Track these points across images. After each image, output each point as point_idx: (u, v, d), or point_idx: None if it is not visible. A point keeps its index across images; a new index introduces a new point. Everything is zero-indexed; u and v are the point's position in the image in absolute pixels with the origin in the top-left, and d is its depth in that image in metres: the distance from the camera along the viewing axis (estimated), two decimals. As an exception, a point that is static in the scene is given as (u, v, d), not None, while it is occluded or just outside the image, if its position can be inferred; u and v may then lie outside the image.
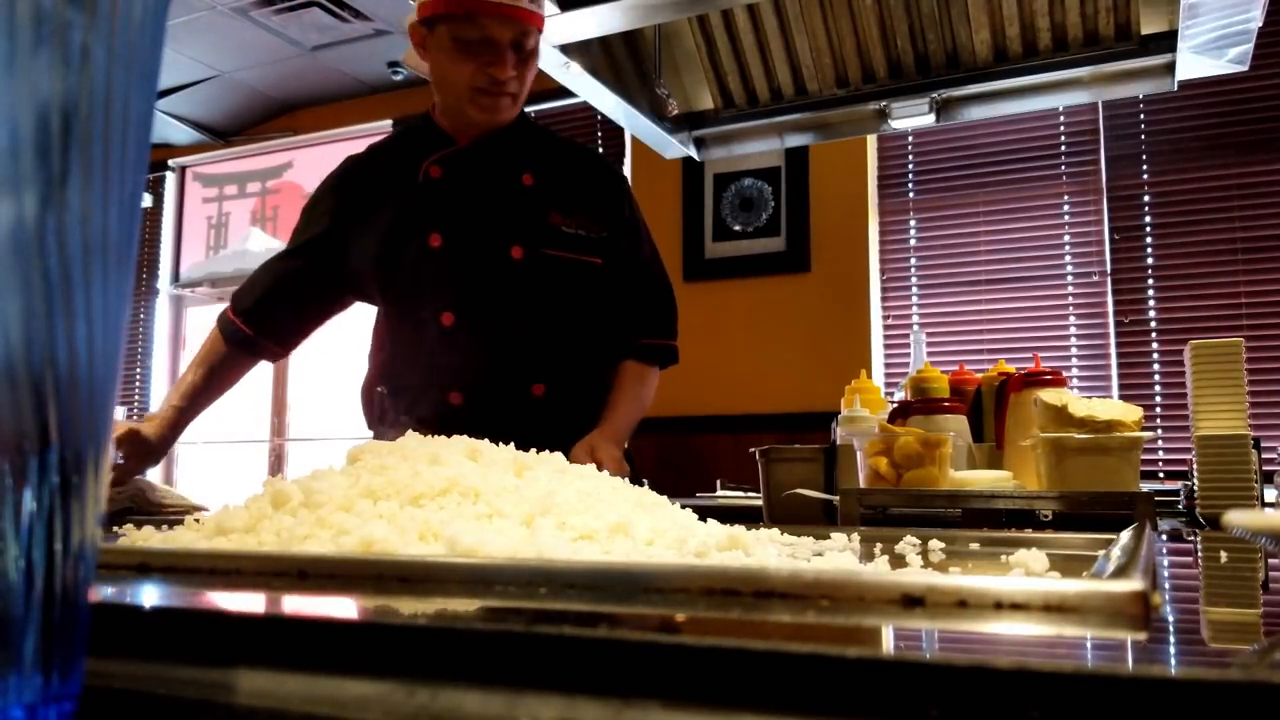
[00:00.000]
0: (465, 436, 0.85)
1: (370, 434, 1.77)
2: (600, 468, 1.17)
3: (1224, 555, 0.90)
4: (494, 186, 1.61)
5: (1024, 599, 0.46)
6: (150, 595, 0.53)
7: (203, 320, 5.66)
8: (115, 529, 0.88)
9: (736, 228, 4.09)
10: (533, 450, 0.86)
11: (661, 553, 0.66)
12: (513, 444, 0.86)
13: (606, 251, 1.66)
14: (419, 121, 1.69)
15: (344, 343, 5.38)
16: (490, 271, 1.57)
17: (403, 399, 1.65)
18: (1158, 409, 3.47)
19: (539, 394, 1.60)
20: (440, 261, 1.57)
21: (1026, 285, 3.72)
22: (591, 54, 1.94)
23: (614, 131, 4.30)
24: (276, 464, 5.24)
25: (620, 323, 1.73)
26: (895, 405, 1.65)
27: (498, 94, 1.53)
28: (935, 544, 0.82)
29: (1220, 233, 3.45)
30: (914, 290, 3.90)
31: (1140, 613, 0.45)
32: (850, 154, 3.93)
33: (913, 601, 0.48)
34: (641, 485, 0.84)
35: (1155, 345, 3.53)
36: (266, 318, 1.69)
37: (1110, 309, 3.59)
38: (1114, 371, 3.56)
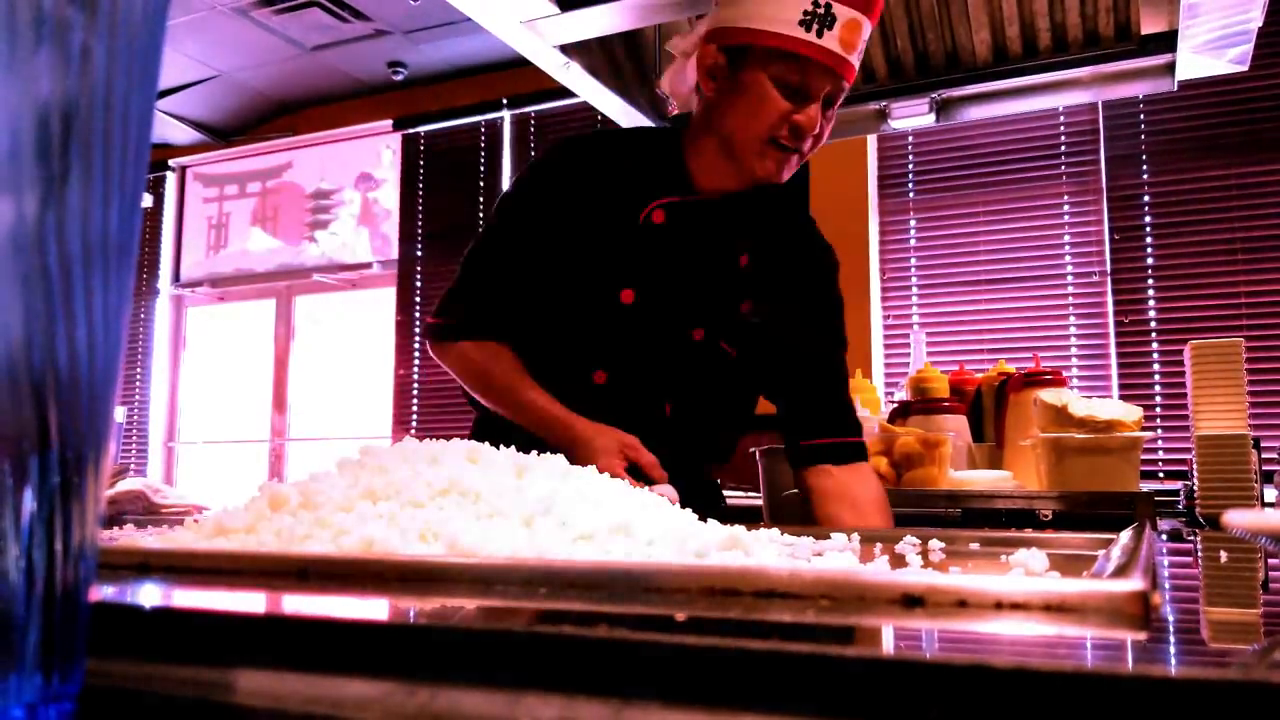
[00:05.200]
0: (462, 440, 0.85)
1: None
2: None
3: (1224, 555, 0.90)
4: (709, 255, 1.42)
5: (1024, 599, 0.46)
6: (150, 595, 0.53)
7: (203, 320, 5.67)
8: (116, 529, 0.88)
9: (736, 228, 4.09)
10: None
11: (661, 553, 0.66)
12: None
13: (784, 330, 1.45)
14: (663, 140, 1.44)
15: (344, 342, 5.39)
16: (665, 346, 1.40)
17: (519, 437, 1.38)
18: (1157, 409, 3.47)
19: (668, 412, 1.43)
20: (623, 320, 1.38)
21: (1026, 285, 3.72)
22: (591, 54, 1.95)
23: (614, 131, 4.30)
24: (276, 464, 5.25)
25: (813, 418, 1.46)
26: (895, 405, 1.65)
27: (793, 149, 1.31)
28: (935, 544, 0.82)
29: (1220, 233, 3.46)
30: (914, 290, 3.90)
31: (1140, 612, 0.45)
32: (850, 154, 3.93)
33: (913, 601, 0.48)
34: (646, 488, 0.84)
35: (1155, 345, 3.53)
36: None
37: (1110, 309, 3.59)
38: (1114, 371, 3.56)
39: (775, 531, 0.85)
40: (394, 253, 5.01)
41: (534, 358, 1.42)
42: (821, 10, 1.24)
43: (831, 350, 1.48)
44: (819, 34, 1.24)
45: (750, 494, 2.99)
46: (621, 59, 2.08)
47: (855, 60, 1.29)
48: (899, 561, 0.70)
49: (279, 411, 5.30)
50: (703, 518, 0.80)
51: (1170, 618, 0.51)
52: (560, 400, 1.37)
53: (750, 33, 1.27)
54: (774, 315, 1.43)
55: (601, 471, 0.89)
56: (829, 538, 0.83)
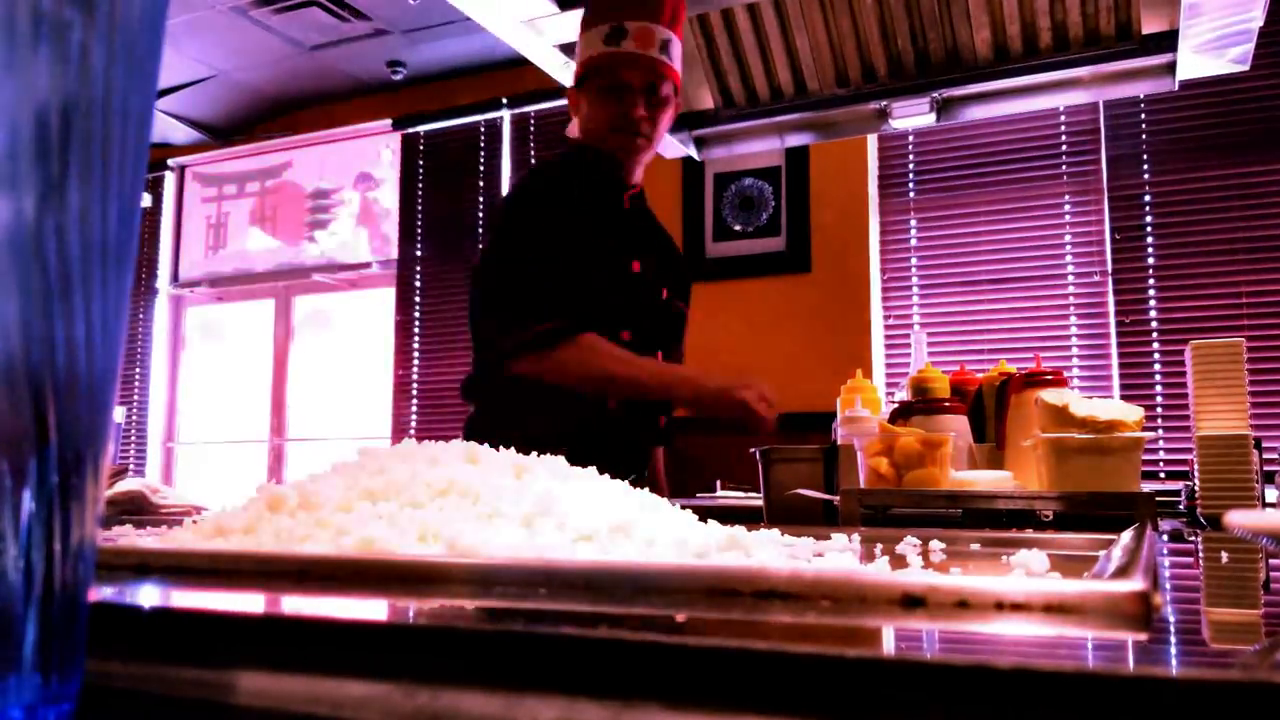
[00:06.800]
0: (465, 441, 0.85)
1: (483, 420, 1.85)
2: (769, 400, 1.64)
3: (1225, 555, 0.90)
4: (654, 231, 1.88)
5: (1025, 599, 0.46)
6: (150, 595, 0.53)
7: (202, 320, 5.67)
8: (115, 529, 0.88)
9: (737, 228, 4.09)
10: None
11: (661, 553, 0.66)
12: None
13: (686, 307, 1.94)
14: (580, 152, 1.80)
15: (343, 342, 5.38)
16: (655, 304, 1.79)
17: (558, 398, 1.67)
18: (1159, 409, 3.47)
19: (662, 424, 1.84)
20: (636, 285, 1.75)
21: (1027, 285, 3.72)
22: (592, 54, 1.94)
23: (614, 131, 4.30)
24: (276, 464, 5.25)
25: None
26: (896, 405, 1.65)
27: (632, 131, 1.72)
28: (936, 544, 0.82)
29: (1221, 232, 3.45)
30: (915, 290, 3.90)
31: (1141, 613, 0.45)
32: (851, 154, 3.93)
33: (913, 602, 0.48)
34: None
35: (1156, 345, 3.53)
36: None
37: (1111, 309, 3.59)
38: (1115, 371, 3.56)
39: (775, 532, 0.85)
40: (393, 253, 5.01)
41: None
42: (613, 28, 1.68)
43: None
44: (618, 44, 1.68)
45: (750, 494, 2.99)
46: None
47: (659, 56, 1.69)
48: (899, 562, 0.69)
49: (278, 412, 5.30)
50: (703, 518, 0.80)
51: (1171, 618, 0.51)
52: None
53: (581, 64, 1.74)
54: (682, 288, 1.90)
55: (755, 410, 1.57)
56: (829, 538, 0.83)
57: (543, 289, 1.68)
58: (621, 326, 1.72)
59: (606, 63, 1.69)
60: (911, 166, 3.94)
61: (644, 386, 1.63)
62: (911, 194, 3.93)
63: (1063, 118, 3.71)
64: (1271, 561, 0.82)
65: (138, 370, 5.50)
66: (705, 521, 0.79)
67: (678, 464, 3.97)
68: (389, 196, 5.13)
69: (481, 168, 4.83)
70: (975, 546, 0.87)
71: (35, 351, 0.30)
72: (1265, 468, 1.44)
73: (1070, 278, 3.67)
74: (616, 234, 1.76)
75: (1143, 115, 3.59)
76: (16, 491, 0.30)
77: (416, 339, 4.89)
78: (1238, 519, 0.58)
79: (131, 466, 5.33)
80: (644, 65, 1.69)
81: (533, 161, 4.68)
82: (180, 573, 0.61)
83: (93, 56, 0.31)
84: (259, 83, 4.95)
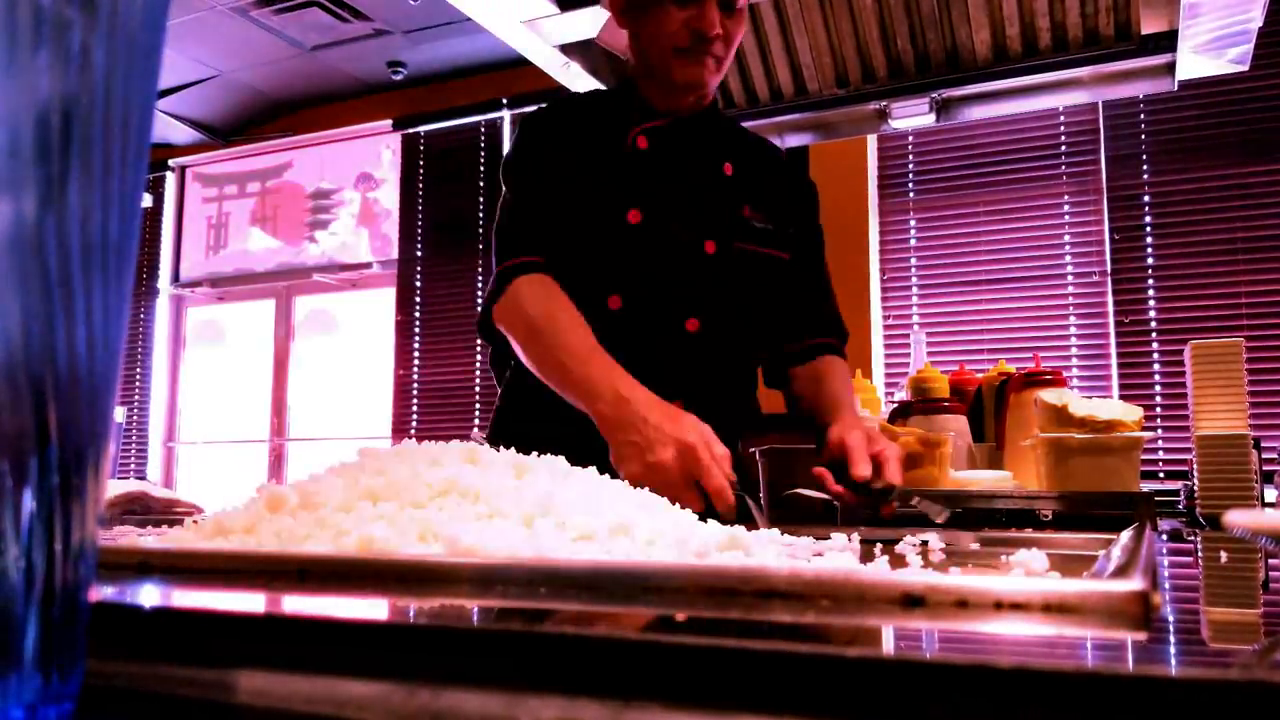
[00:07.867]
0: (462, 442, 0.85)
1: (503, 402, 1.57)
2: (884, 458, 1.21)
3: (1224, 555, 0.90)
4: (697, 171, 1.49)
5: (1024, 599, 0.46)
6: (150, 595, 0.53)
7: (202, 320, 5.67)
8: (116, 528, 0.88)
9: (736, 228, 4.09)
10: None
11: (662, 553, 0.66)
12: None
13: (793, 247, 1.53)
14: (621, 85, 1.57)
15: (344, 342, 5.38)
16: (680, 262, 1.43)
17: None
18: (1158, 409, 3.47)
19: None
20: (632, 240, 1.41)
21: (1027, 285, 3.72)
22: (592, 54, 1.95)
23: (614, 131, 4.30)
24: (276, 464, 5.24)
25: (798, 324, 1.55)
26: (895, 405, 1.65)
27: (702, 53, 1.41)
28: (935, 544, 0.82)
29: (1220, 232, 3.46)
30: (914, 290, 3.90)
31: (1140, 612, 0.45)
32: (850, 154, 3.93)
33: (913, 601, 0.48)
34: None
35: (1155, 345, 3.53)
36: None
37: (1110, 309, 3.59)
38: (1114, 371, 3.56)
39: (775, 531, 0.85)
40: (394, 253, 5.02)
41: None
42: None
43: (818, 263, 1.57)
44: None
45: (750, 494, 2.98)
46: (621, 58, 2.08)
47: None
48: (899, 561, 0.69)
49: (278, 412, 5.30)
50: (703, 518, 0.81)
51: (1170, 618, 0.51)
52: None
53: None
54: (778, 220, 1.50)
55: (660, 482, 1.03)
56: (829, 538, 0.83)
57: (519, 229, 1.42)
58: (609, 291, 1.40)
59: None
60: (911, 167, 3.94)
61: (563, 369, 1.26)
62: (911, 194, 3.93)
63: (1062, 118, 3.71)
64: (1270, 561, 0.82)
65: (138, 370, 5.51)
66: (705, 521, 0.79)
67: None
68: (389, 197, 5.13)
69: (482, 168, 4.83)
70: (975, 546, 0.87)
71: (36, 351, 0.30)
72: (1264, 467, 1.45)
73: (1069, 278, 3.68)
74: (614, 180, 1.44)
75: (1142, 115, 3.59)
76: (17, 491, 0.30)
77: (417, 339, 4.89)
78: (1237, 518, 0.58)
79: (133, 466, 5.33)
80: None
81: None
82: (181, 572, 0.61)
83: (94, 56, 0.31)
84: (260, 83, 4.95)
